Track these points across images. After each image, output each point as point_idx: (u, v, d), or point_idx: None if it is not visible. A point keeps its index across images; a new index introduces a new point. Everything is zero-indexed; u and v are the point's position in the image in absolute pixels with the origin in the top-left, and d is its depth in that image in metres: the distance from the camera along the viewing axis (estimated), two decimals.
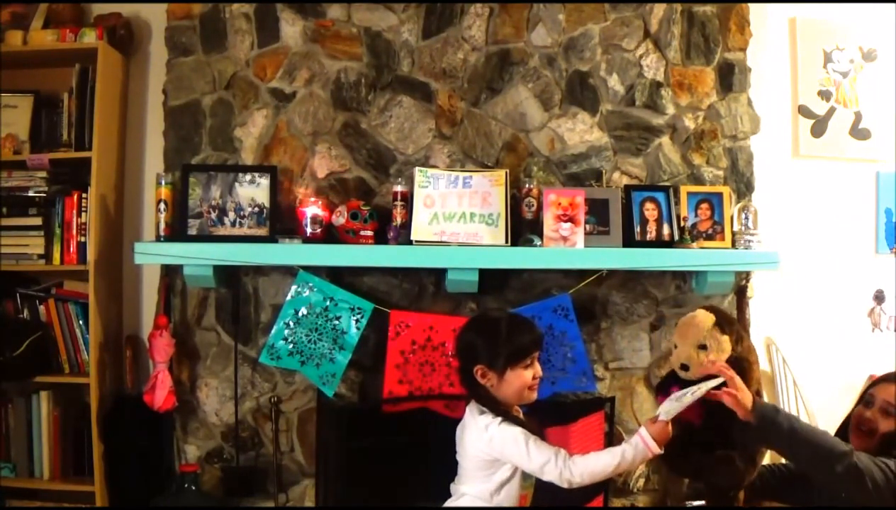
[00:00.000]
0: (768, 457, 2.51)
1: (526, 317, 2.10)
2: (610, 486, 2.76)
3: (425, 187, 2.69)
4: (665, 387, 2.24)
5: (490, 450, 1.87)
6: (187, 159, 2.76)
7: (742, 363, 2.10)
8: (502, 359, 1.88)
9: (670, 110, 2.86)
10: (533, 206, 2.70)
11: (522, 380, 1.89)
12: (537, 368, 1.93)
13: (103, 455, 2.66)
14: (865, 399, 2.07)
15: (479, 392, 1.91)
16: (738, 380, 1.94)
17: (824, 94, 3.07)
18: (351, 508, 2.61)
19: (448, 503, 1.98)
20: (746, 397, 1.92)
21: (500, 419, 1.86)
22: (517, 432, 1.84)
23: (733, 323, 2.20)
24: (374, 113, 2.81)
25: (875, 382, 2.10)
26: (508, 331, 1.92)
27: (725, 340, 2.13)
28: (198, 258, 2.55)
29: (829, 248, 3.04)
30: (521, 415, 1.99)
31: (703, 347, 2.14)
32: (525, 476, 1.92)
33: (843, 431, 2.12)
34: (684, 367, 2.15)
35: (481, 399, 1.91)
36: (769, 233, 2.85)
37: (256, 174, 2.69)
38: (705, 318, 2.19)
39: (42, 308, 2.73)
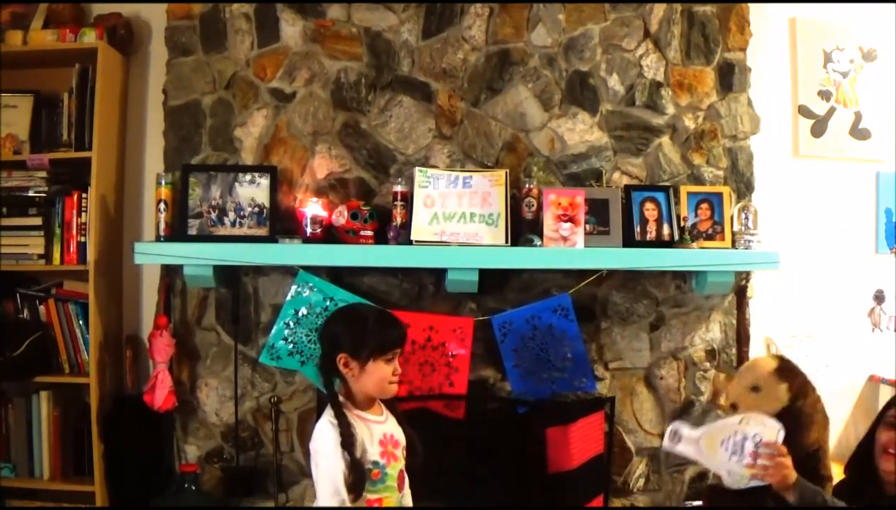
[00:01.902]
0: None
1: (393, 313, 2.12)
2: (610, 486, 2.76)
3: (425, 187, 2.69)
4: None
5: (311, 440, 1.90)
6: (187, 159, 2.77)
7: (799, 417, 2.06)
8: (367, 349, 1.91)
9: (670, 110, 2.86)
10: (533, 206, 2.70)
11: (383, 373, 1.93)
12: (397, 365, 1.96)
13: (103, 455, 2.66)
14: (888, 420, 2.03)
15: (331, 386, 1.93)
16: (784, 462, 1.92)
17: (824, 94, 3.07)
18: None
19: None
20: (790, 475, 1.90)
21: (333, 413, 1.88)
22: (333, 439, 1.84)
23: (797, 375, 2.15)
24: (374, 113, 2.81)
25: (891, 404, 2.07)
26: (376, 323, 1.97)
27: (782, 389, 2.09)
28: (198, 258, 2.55)
29: (829, 248, 3.04)
30: (382, 425, 1.97)
31: (755, 389, 2.13)
32: (378, 480, 1.90)
33: (863, 455, 2.09)
34: (734, 407, 2.14)
35: (330, 394, 1.93)
36: (769, 233, 2.85)
37: (256, 174, 2.69)
38: (766, 363, 2.18)
39: (42, 308, 2.74)
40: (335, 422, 1.86)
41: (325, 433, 1.87)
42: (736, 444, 1.99)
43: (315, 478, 1.88)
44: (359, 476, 1.84)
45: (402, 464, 1.98)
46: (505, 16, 2.82)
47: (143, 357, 2.79)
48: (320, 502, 1.84)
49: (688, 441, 2.03)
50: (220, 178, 2.68)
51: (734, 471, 1.98)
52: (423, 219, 2.66)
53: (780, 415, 2.06)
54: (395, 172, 2.79)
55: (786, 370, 2.15)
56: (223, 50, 2.80)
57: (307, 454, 2.04)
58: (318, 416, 2.66)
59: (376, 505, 1.89)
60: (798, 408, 2.08)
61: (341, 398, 1.93)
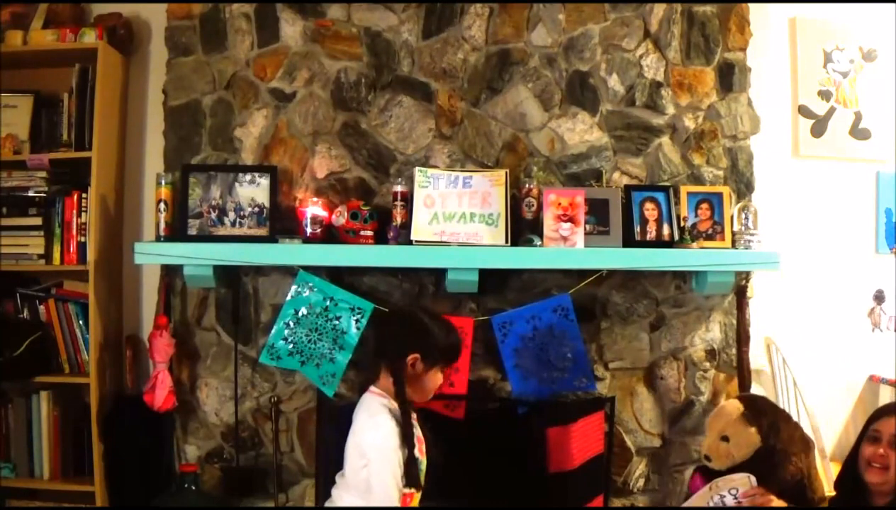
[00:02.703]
0: None
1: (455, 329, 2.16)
2: (610, 486, 2.76)
3: (425, 187, 2.69)
4: (693, 474, 2.32)
5: (363, 433, 1.91)
6: (187, 159, 2.77)
7: (773, 455, 2.08)
8: (439, 356, 1.97)
9: (670, 110, 2.86)
10: (533, 206, 2.70)
11: (438, 381, 2.00)
12: (442, 378, 2.03)
13: (103, 455, 2.66)
14: (871, 435, 2.05)
15: (398, 378, 1.94)
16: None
17: (824, 94, 3.07)
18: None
19: (328, 503, 2.01)
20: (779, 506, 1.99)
21: (394, 411, 1.91)
22: (396, 433, 1.87)
23: (766, 414, 2.17)
24: (374, 113, 2.81)
25: (875, 417, 2.09)
26: (448, 335, 2.04)
27: (751, 433, 2.11)
28: (198, 258, 2.55)
29: (829, 248, 3.04)
30: (418, 427, 2.00)
31: (725, 439, 2.14)
32: (413, 479, 1.92)
33: (850, 469, 2.11)
34: (707, 458, 2.18)
35: (399, 387, 1.94)
36: (769, 233, 2.85)
37: (256, 174, 2.69)
38: (732, 409, 2.20)
39: (42, 308, 2.74)
40: (397, 419, 1.89)
41: (386, 429, 1.88)
42: (716, 505, 2.07)
43: (360, 469, 1.87)
44: (415, 472, 1.88)
45: (425, 461, 2.02)
46: (505, 16, 2.82)
47: (143, 357, 2.79)
48: (380, 497, 1.84)
49: None
50: (220, 178, 2.68)
51: None
52: (423, 219, 2.66)
53: (754, 457, 2.10)
54: (395, 172, 2.79)
55: (753, 412, 2.16)
56: (223, 50, 2.80)
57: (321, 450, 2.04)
58: (318, 416, 2.70)
59: (408, 499, 1.92)
60: (771, 447, 2.11)
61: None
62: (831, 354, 3.03)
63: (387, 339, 2.06)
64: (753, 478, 2.08)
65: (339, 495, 1.97)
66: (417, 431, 1.99)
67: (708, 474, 2.23)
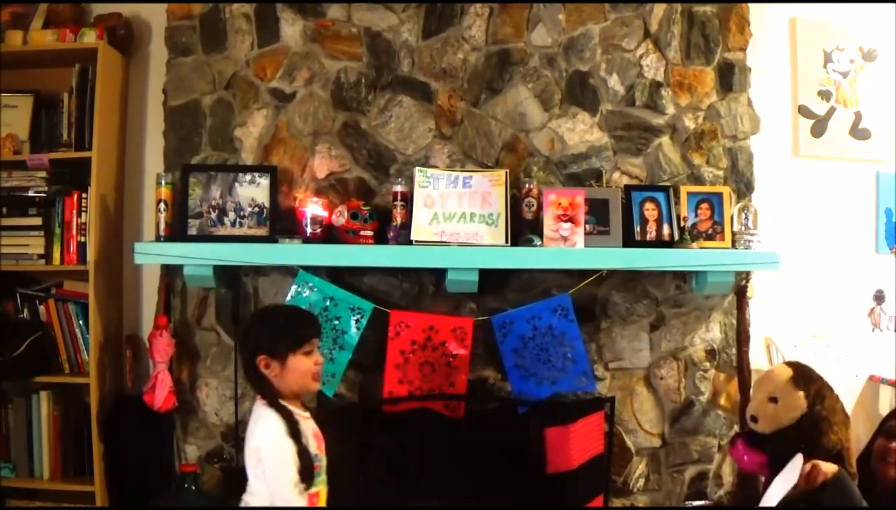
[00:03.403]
0: None
1: (302, 308, 2.15)
2: (610, 486, 2.76)
3: (425, 187, 2.69)
4: (734, 440, 2.33)
5: (252, 438, 1.89)
6: (187, 159, 2.77)
7: (818, 422, 2.09)
8: (283, 345, 1.93)
9: (670, 110, 2.86)
10: (533, 206, 2.70)
11: (304, 366, 1.95)
12: (318, 356, 1.99)
13: (103, 455, 2.66)
14: (886, 430, 2.09)
15: (263, 385, 1.94)
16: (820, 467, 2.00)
17: (824, 94, 3.07)
18: (351, 508, 2.61)
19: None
20: (830, 469, 2.00)
21: (273, 408, 1.90)
22: (281, 428, 1.86)
23: (814, 381, 2.18)
24: (374, 113, 2.81)
25: (893, 414, 2.13)
26: (287, 320, 2.01)
27: (798, 397, 2.12)
28: (198, 258, 2.55)
29: (829, 248, 3.04)
30: (310, 421, 1.99)
31: (773, 400, 2.15)
32: (317, 473, 1.91)
33: (864, 462, 2.13)
34: (753, 419, 2.19)
35: (265, 392, 1.94)
36: (769, 233, 2.85)
37: (256, 174, 2.69)
38: (781, 372, 2.21)
39: (42, 308, 2.74)
40: (279, 414, 1.88)
41: (271, 425, 1.87)
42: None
43: (262, 474, 1.86)
44: (307, 464, 1.86)
45: (326, 458, 2.00)
46: (505, 16, 2.82)
47: (143, 357, 2.79)
48: (278, 495, 1.83)
49: None
50: (220, 178, 2.68)
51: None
52: (423, 219, 2.66)
53: (800, 422, 2.09)
54: (395, 172, 2.79)
55: (802, 377, 2.16)
56: (223, 50, 2.80)
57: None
58: (318, 416, 2.69)
59: (314, 499, 1.91)
60: (817, 413, 2.12)
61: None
62: (831, 354, 3.03)
63: (239, 353, 2.05)
64: (800, 460, 2.06)
65: (246, 502, 1.95)
66: (313, 427, 1.98)
67: (749, 440, 2.24)
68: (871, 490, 2.08)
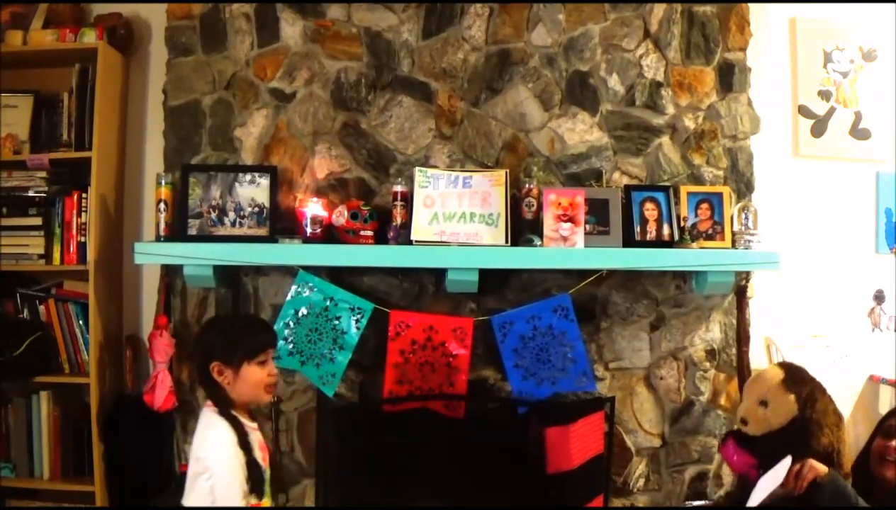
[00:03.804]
0: None
1: (261, 317, 2.11)
2: (610, 486, 2.76)
3: (425, 187, 2.69)
4: (725, 439, 2.32)
5: (201, 446, 1.87)
6: (187, 159, 2.77)
7: (809, 425, 2.09)
8: (238, 354, 1.91)
9: (670, 110, 2.86)
10: (533, 206, 2.70)
11: (258, 376, 1.93)
12: (273, 367, 1.98)
13: (103, 455, 2.66)
14: (885, 430, 2.09)
15: (215, 392, 1.93)
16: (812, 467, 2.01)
17: (824, 94, 3.07)
18: (351, 508, 2.62)
19: None
20: (822, 469, 2.00)
21: (223, 417, 1.88)
22: (231, 439, 1.84)
23: (805, 383, 2.17)
24: (374, 113, 2.81)
25: (892, 414, 2.13)
26: (244, 328, 2.00)
27: (789, 400, 2.11)
28: (198, 258, 2.55)
29: (829, 248, 3.04)
30: (258, 432, 1.97)
31: (763, 404, 2.14)
32: (256, 484, 1.88)
33: (863, 463, 2.13)
34: (744, 422, 2.18)
35: (217, 399, 1.93)
36: (769, 233, 2.85)
37: (256, 174, 2.69)
38: (772, 375, 2.19)
39: (42, 308, 2.74)
40: (229, 423, 1.86)
41: (220, 434, 1.85)
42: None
43: (206, 483, 1.82)
44: (257, 475, 1.84)
45: (269, 470, 1.98)
46: (505, 16, 2.82)
47: (143, 357, 2.79)
48: (227, 506, 1.80)
49: None
50: (220, 178, 2.68)
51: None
52: (423, 219, 2.66)
53: (790, 425, 2.09)
54: (395, 172, 2.79)
55: (793, 380, 2.15)
56: (223, 50, 2.80)
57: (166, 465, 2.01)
58: (318, 416, 2.70)
59: None
60: (807, 417, 2.10)
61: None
62: (831, 354, 3.03)
63: (193, 357, 2.03)
64: (788, 459, 2.06)
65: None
66: (259, 438, 1.97)
67: (740, 440, 2.24)
68: (870, 490, 2.08)
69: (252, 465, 1.84)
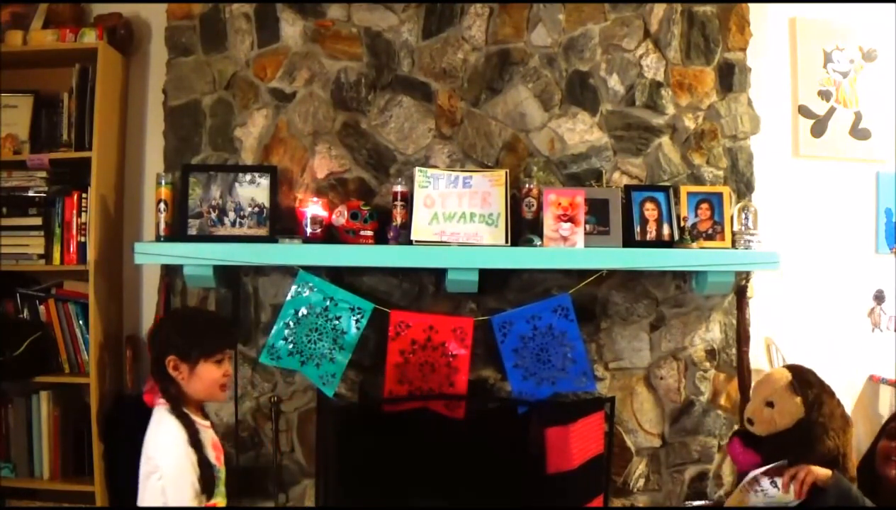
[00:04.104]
0: None
1: (222, 316, 2.10)
2: (610, 486, 2.76)
3: (425, 187, 2.69)
4: (732, 438, 2.34)
5: (151, 444, 1.86)
6: (187, 159, 2.77)
7: (814, 428, 2.08)
8: (195, 351, 1.90)
9: (670, 110, 2.86)
10: (533, 206, 2.70)
11: (213, 375, 1.92)
12: (228, 367, 1.97)
13: (103, 455, 2.66)
14: (889, 431, 2.10)
15: (169, 386, 1.92)
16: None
17: (824, 94, 3.07)
18: (351, 508, 2.61)
19: None
20: (822, 474, 2.00)
21: (174, 414, 1.87)
22: (181, 437, 1.83)
23: (812, 386, 2.16)
24: (374, 113, 2.81)
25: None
26: (204, 326, 1.98)
27: (796, 403, 2.11)
28: (198, 258, 2.55)
29: (829, 248, 3.04)
30: (210, 430, 1.97)
31: (769, 405, 2.14)
32: (207, 484, 1.87)
33: (868, 464, 2.13)
34: (750, 421, 2.19)
35: (169, 394, 1.92)
36: (769, 233, 2.85)
37: (256, 174, 2.69)
38: (780, 376, 2.20)
39: (42, 308, 2.74)
40: (179, 421, 1.85)
41: (170, 433, 1.84)
42: (759, 497, 2.09)
43: (157, 482, 1.80)
44: (208, 475, 1.83)
45: (224, 470, 1.97)
46: (505, 16, 2.82)
47: (143, 357, 2.79)
48: (177, 505, 1.78)
49: None
50: (220, 178, 2.68)
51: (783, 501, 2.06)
52: (423, 219, 2.66)
53: (796, 427, 2.09)
54: (395, 172, 2.79)
55: (800, 382, 2.15)
56: (223, 50, 2.80)
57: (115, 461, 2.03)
58: (318, 416, 2.70)
59: None
60: (814, 420, 2.10)
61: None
62: (831, 354, 3.03)
63: (149, 348, 2.02)
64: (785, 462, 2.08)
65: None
66: (212, 437, 1.96)
67: (747, 439, 2.25)
68: (875, 491, 2.08)
69: (203, 464, 1.83)
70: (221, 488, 1.93)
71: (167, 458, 1.82)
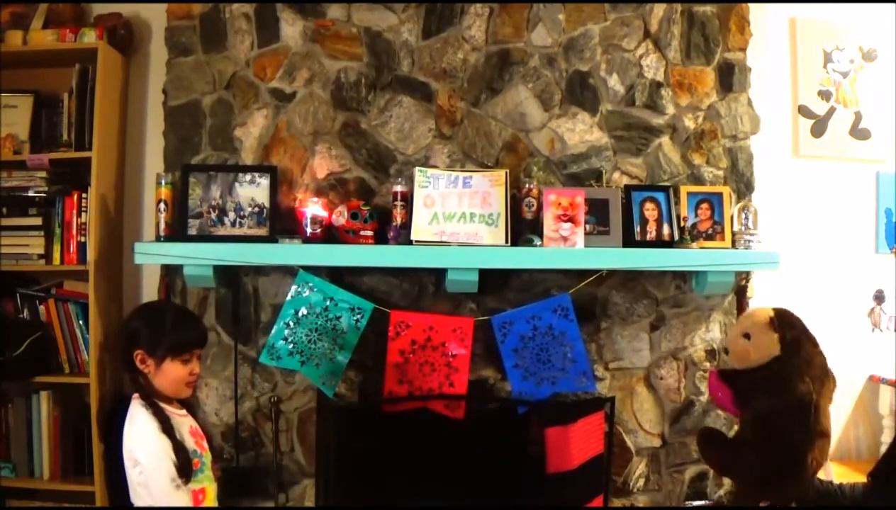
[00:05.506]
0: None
1: (194, 313, 2.08)
2: (610, 486, 2.76)
3: (425, 187, 2.69)
4: (711, 373, 2.41)
5: (127, 439, 1.86)
6: (187, 159, 2.77)
7: (788, 370, 2.08)
8: (163, 348, 1.90)
9: (670, 110, 2.86)
10: (533, 206, 2.70)
11: (179, 373, 1.92)
12: (196, 366, 1.96)
13: (103, 455, 2.66)
14: None
15: (138, 378, 1.92)
16: None
17: (824, 94, 3.07)
18: (351, 508, 2.61)
19: None
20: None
21: (143, 404, 1.87)
22: (153, 426, 1.84)
23: (793, 328, 2.17)
24: (374, 113, 2.81)
25: None
26: (174, 322, 1.96)
27: (772, 338, 2.12)
28: (198, 258, 2.55)
29: (829, 248, 3.04)
30: (188, 418, 1.98)
31: (746, 336, 2.15)
32: (198, 469, 1.89)
33: (889, 460, 2.13)
34: (726, 351, 2.25)
35: (138, 385, 1.91)
36: (769, 233, 2.85)
37: (256, 174, 2.69)
38: (761, 312, 2.22)
39: (42, 308, 2.74)
40: (150, 411, 1.85)
41: (143, 423, 1.85)
42: None
43: (141, 477, 1.81)
44: (185, 459, 1.84)
45: (209, 455, 1.97)
46: (505, 16, 2.82)
47: None
48: (158, 492, 1.80)
49: None
50: (220, 178, 2.68)
51: None
52: (423, 219, 2.66)
53: (769, 364, 2.10)
54: (395, 172, 2.79)
55: (781, 321, 2.17)
56: (223, 50, 2.80)
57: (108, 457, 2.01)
58: (318, 416, 2.70)
59: (200, 495, 1.88)
60: (788, 360, 2.11)
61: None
62: (831, 354, 3.02)
63: (118, 340, 2.01)
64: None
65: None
66: (191, 424, 1.97)
67: (725, 376, 2.27)
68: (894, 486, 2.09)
69: (178, 450, 1.83)
70: (207, 472, 1.93)
71: (143, 450, 1.84)
